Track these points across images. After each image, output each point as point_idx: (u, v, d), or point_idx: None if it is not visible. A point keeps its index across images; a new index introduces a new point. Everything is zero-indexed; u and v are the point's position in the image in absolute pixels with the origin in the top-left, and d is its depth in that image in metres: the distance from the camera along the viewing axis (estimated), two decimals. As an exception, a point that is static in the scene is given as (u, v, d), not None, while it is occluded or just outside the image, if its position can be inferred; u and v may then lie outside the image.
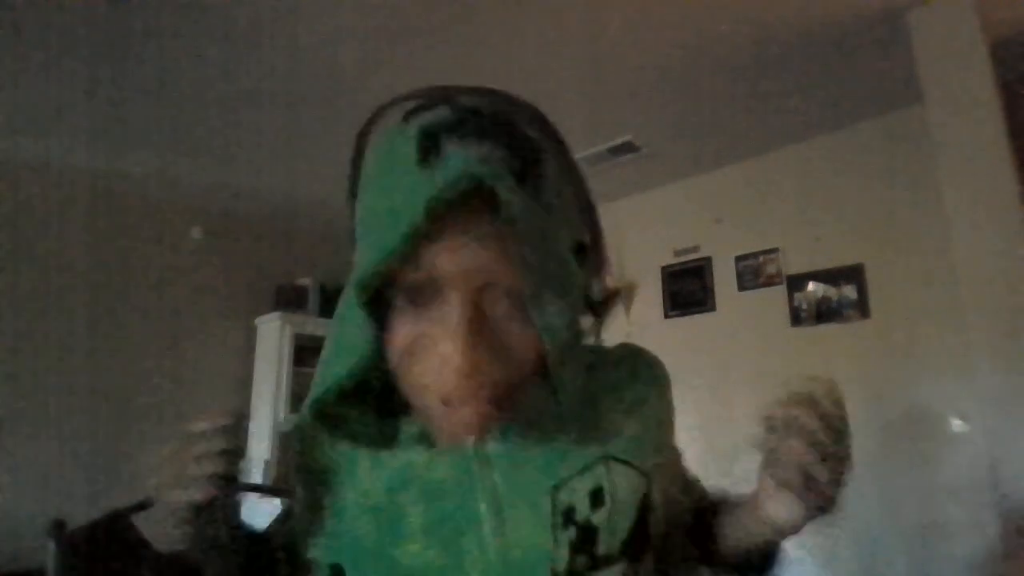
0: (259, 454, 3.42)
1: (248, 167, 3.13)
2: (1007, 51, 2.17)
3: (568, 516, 0.49)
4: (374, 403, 0.50)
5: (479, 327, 0.42)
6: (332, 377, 0.45)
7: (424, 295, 0.43)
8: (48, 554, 1.01)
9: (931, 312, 2.50)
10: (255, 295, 3.69)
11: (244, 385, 3.63)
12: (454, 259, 0.41)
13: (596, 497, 0.50)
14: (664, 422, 0.57)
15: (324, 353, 0.48)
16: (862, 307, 2.71)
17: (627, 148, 2.99)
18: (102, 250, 3.19)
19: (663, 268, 3.41)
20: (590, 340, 0.51)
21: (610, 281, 0.45)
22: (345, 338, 0.46)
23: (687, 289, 3.30)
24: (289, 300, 3.67)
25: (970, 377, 2.27)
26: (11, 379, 2.83)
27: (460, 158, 0.41)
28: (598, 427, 0.52)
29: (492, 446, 0.50)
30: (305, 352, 3.55)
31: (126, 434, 3.08)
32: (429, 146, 0.42)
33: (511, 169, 0.42)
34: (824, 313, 2.81)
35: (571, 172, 0.49)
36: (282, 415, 3.44)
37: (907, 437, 2.52)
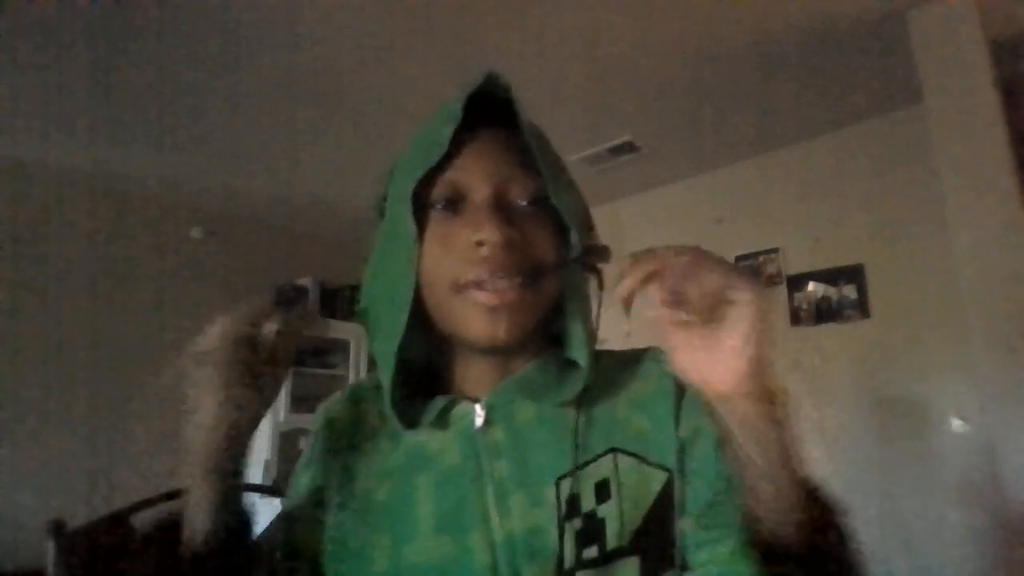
0: (259, 454, 3.42)
1: (248, 167, 3.13)
2: (1007, 51, 2.17)
3: (573, 505, 0.49)
4: (400, 389, 0.54)
5: (506, 211, 0.50)
6: (392, 335, 0.51)
7: (454, 202, 0.51)
8: (48, 554, 1.01)
9: (931, 312, 2.50)
10: (255, 295, 3.69)
11: (244, 385, 3.62)
12: (479, 161, 0.51)
13: (602, 489, 0.50)
14: (686, 421, 0.53)
15: (372, 335, 0.55)
16: (862, 307, 2.71)
17: (627, 148, 2.99)
18: (102, 250, 3.18)
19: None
20: (593, 297, 0.54)
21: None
22: (379, 270, 0.55)
23: (687, 289, 3.30)
24: (289, 300, 3.67)
25: (970, 377, 2.27)
26: (11, 379, 2.83)
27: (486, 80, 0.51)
28: (606, 419, 0.53)
29: (500, 434, 0.52)
30: (305, 352, 3.55)
31: (126, 434, 3.08)
32: (465, 96, 0.51)
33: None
34: (824, 313, 2.80)
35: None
36: (282, 415, 3.44)
37: (907, 437, 2.52)
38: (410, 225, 0.50)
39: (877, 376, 2.61)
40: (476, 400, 0.54)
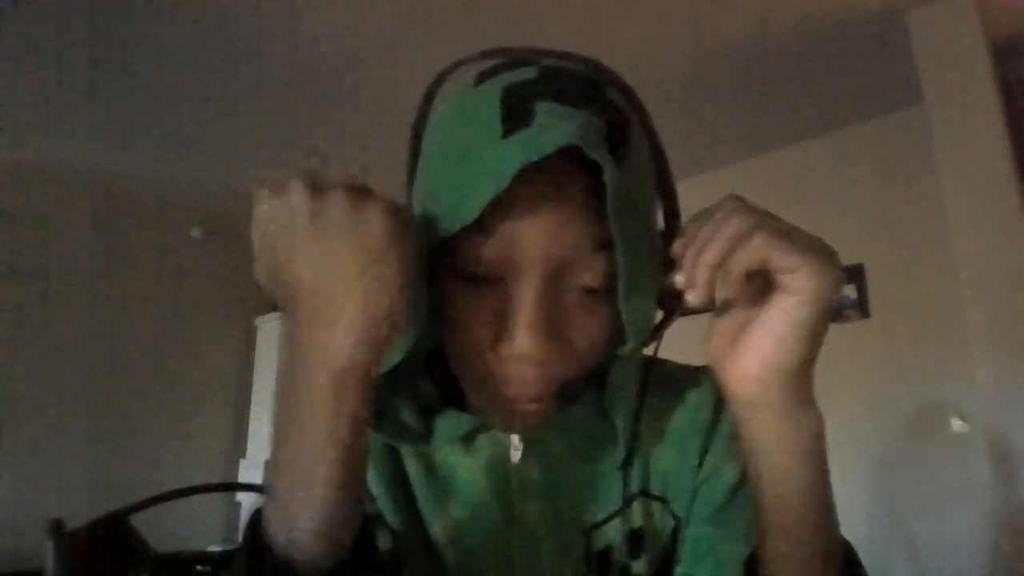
0: (260, 455, 3.41)
1: (248, 167, 3.13)
2: (1007, 51, 2.17)
3: (604, 560, 0.45)
4: (410, 392, 0.45)
5: (553, 315, 0.37)
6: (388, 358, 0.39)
7: (492, 272, 0.37)
8: (48, 554, 1.01)
9: (931, 312, 2.50)
10: (255, 295, 3.69)
11: (244, 385, 3.63)
12: (535, 233, 0.35)
13: (634, 541, 0.45)
14: (709, 459, 0.48)
15: None
16: (862, 307, 2.71)
17: (627, 148, 2.99)
18: (102, 250, 3.18)
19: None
20: (649, 346, 0.45)
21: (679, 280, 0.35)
22: None
23: (687, 289, 3.30)
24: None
25: (970, 377, 2.27)
26: (11, 379, 2.83)
27: (553, 119, 0.35)
28: (641, 454, 0.47)
29: (535, 471, 0.45)
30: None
31: (126, 434, 3.08)
32: (515, 105, 0.36)
33: (606, 138, 0.36)
34: (824, 313, 2.80)
35: (655, 149, 0.43)
36: (282, 415, 3.44)
37: (907, 437, 2.52)
38: (423, 306, 0.38)
39: (877, 376, 2.61)
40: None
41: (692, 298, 0.32)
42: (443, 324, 0.40)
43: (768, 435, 0.34)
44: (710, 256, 0.31)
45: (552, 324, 0.36)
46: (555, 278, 0.37)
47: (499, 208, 0.34)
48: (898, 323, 2.62)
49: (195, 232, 3.53)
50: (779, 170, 3.07)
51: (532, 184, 0.34)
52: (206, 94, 2.45)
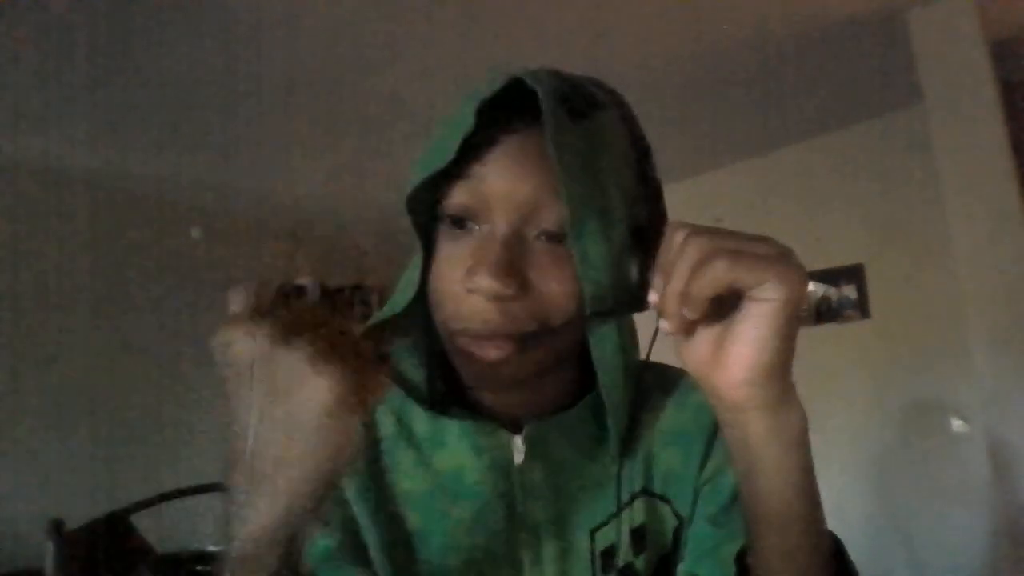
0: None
1: (248, 167, 3.12)
2: (1007, 51, 2.17)
3: (608, 559, 0.46)
4: (413, 345, 0.47)
5: (515, 256, 0.40)
6: (387, 308, 0.43)
7: (468, 217, 0.41)
8: (47, 554, 1.01)
9: (931, 312, 2.50)
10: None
11: (244, 385, 3.62)
12: (500, 178, 0.40)
13: (638, 537, 0.46)
14: (712, 461, 0.49)
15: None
16: (862, 307, 2.71)
17: (627, 148, 2.99)
18: (102, 250, 3.18)
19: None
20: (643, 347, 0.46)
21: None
22: (404, 276, 0.44)
23: (687, 289, 3.30)
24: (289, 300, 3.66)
25: (970, 377, 2.27)
26: (11, 379, 2.83)
27: (517, 77, 0.41)
28: (642, 453, 0.48)
29: (538, 473, 0.46)
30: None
31: (126, 434, 3.08)
32: (488, 89, 0.41)
33: (564, 101, 0.40)
34: (824, 313, 2.80)
35: (636, 146, 0.46)
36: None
37: (907, 437, 2.52)
38: (418, 262, 0.43)
39: (877, 376, 2.61)
40: (503, 424, 0.47)
41: (666, 327, 0.34)
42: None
43: (759, 431, 0.35)
44: (675, 285, 0.33)
45: (513, 263, 0.40)
46: (521, 223, 0.41)
47: (473, 158, 0.40)
48: (898, 323, 2.62)
49: (195, 232, 3.53)
50: (779, 170, 3.07)
51: (501, 136, 0.41)
52: (206, 94, 2.45)
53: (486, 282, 0.38)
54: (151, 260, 3.35)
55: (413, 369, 0.47)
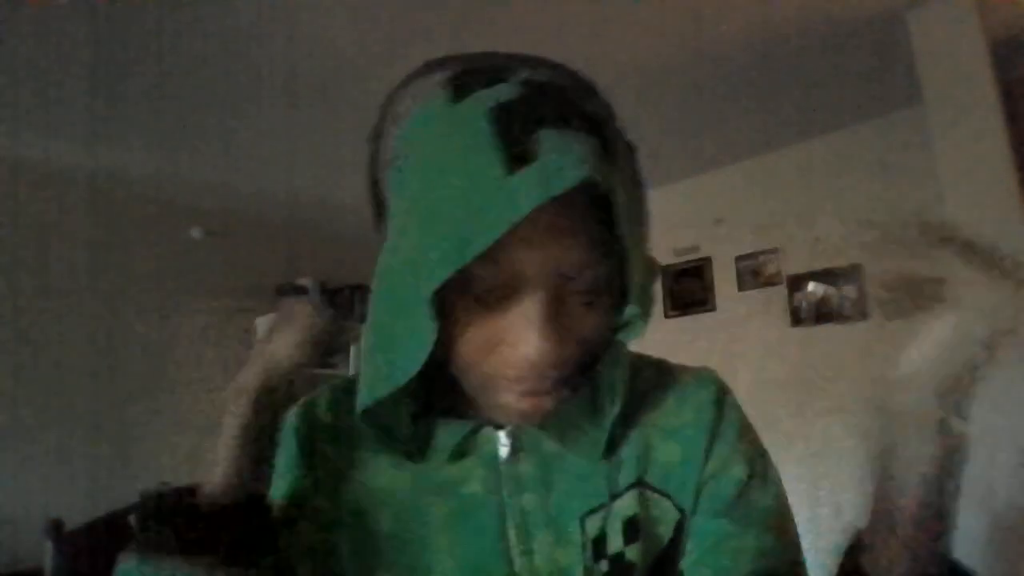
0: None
1: (248, 167, 3.12)
2: (1007, 51, 2.17)
3: (599, 547, 0.46)
4: (411, 405, 0.46)
5: (559, 319, 0.39)
6: (391, 380, 0.40)
7: (500, 293, 0.39)
8: (47, 554, 1.01)
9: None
10: (255, 295, 3.69)
11: (244, 385, 3.62)
12: (539, 258, 0.37)
13: (630, 528, 0.46)
14: (715, 458, 0.49)
15: (371, 346, 0.42)
16: (862, 307, 2.71)
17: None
18: (102, 250, 3.18)
19: (663, 268, 3.41)
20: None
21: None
22: (403, 335, 0.39)
23: (687, 289, 3.31)
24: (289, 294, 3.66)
25: (970, 377, 2.27)
26: (11, 379, 2.83)
27: (556, 151, 0.36)
28: (638, 445, 0.49)
29: (527, 466, 0.47)
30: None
31: (125, 434, 3.08)
32: (512, 133, 0.36)
33: (603, 158, 0.38)
34: (824, 313, 2.80)
35: (627, 148, 0.46)
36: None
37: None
38: (428, 330, 0.38)
39: (877, 376, 2.61)
40: (499, 426, 0.47)
41: None
42: (447, 339, 0.41)
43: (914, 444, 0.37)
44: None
45: (558, 329, 0.39)
46: (560, 287, 0.39)
47: (507, 236, 0.35)
48: (898, 323, 2.61)
49: (195, 232, 3.53)
50: (779, 170, 3.07)
51: (538, 210, 0.34)
52: (206, 94, 2.45)
53: (536, 353, 0.38)
54: (151, 260, 3.34)
55: (395, 418, 0.46)
